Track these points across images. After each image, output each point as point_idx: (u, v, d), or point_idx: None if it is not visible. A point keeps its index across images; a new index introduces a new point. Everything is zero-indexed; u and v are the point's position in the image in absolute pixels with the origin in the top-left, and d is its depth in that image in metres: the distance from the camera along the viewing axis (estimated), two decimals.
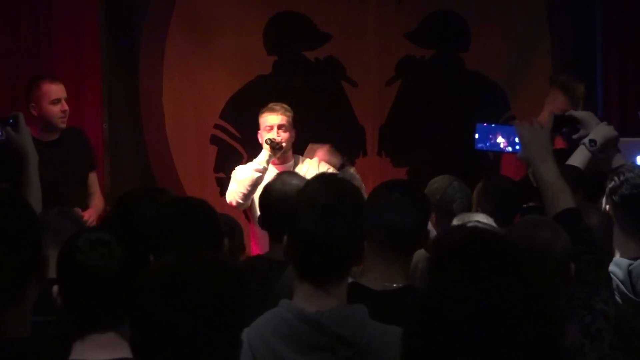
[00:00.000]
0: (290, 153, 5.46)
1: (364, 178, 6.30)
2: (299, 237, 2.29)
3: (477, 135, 3.09)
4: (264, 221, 3.51)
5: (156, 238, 2.69)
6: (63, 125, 5.13)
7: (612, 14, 6.50)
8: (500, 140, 3.04)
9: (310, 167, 5.39)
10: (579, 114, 3.53)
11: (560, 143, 4.52)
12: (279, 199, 3.35)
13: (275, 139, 5.26)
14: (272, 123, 5.34)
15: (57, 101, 5.10)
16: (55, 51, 5.93)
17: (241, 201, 5.27)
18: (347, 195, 2.33)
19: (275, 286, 2.78)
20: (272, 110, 5.39)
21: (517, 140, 2.94)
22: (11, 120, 3.73)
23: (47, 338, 2.11)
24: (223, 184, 6.29)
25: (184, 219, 2.73)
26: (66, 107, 5.12)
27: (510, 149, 3.05)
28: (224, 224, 3.02)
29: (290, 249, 2.32)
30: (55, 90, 5.12)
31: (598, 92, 6.47)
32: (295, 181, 3.40)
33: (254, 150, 6.00)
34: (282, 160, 5.40)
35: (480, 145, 3.10)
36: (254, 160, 5.37)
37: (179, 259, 1.80)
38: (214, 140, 6.40)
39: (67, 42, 5.95)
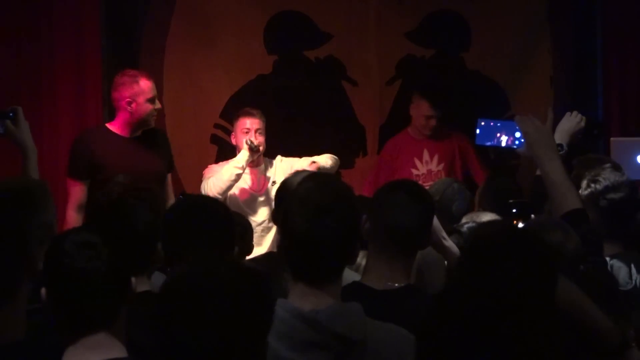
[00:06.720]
0: (261, 157, 5.62)
1: (364, 177, 6.31)
2: (292, 237, 2.28)
3: (478, 131, 3.04)
4: None
5: (171, 236, 2.71)
6: (153, 124, 5.12)
7: (612, 14, 6.49)
8: (502, 136, 3.00)
9: (278, 168, 5.59)
10: None
11: None
12: None
13: (254, 142, 5.44)
14: (250, 127, 5.53)
15: (153, 100, 5.06)
16: (56, 51, 5.93)
17: (219, 196, 5.34)
18: (341, 194, 2.33)
19: None
20: (250, 114, 5.57)
21: (517, 135, 2.91)
22: (10, 114, 3.70)
23: (42, 343, 2.10)
24: None
25: (200, 217, 2.75)
26: (160, 106, 5.14)
27: (514, 144, 3.00)
28: (237, 224, 3.03)
29: (284, 248, 2.32)
30: (153, 88, 5.08)
31: (598, 92, 6.46)
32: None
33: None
34: (255, 163, 5.59)
35: (481, 141, 3.05)
36: (233, 159, 5.47)
37: (202, 266, 1.78)
38: (214, 139, 6.41)
39: (68, 42, 5.95)
